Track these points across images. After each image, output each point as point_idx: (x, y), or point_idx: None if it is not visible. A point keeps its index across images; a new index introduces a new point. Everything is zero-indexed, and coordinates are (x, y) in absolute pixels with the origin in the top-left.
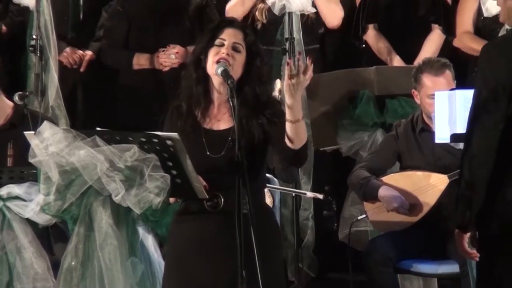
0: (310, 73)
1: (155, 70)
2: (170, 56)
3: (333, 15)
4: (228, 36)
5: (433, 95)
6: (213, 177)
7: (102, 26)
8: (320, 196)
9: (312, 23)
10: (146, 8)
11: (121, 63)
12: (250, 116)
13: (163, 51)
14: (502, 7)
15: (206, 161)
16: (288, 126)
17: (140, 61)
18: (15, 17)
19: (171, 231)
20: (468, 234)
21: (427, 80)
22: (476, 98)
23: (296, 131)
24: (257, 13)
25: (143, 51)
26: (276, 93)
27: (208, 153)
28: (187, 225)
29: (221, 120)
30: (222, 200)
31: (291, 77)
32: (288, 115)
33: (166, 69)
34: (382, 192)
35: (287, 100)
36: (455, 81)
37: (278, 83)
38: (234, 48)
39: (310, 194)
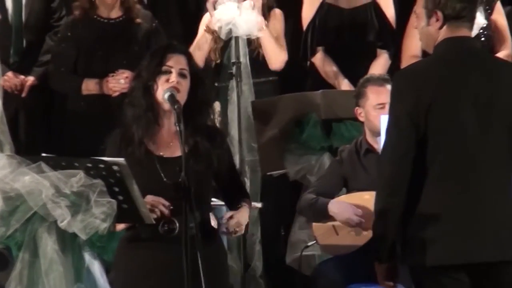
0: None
1: (103, 95)
2: (120, 81)
3: (277, 58)
4: (174, 62)
5: (380, 104)
6: (170, 204)
7: (46, 51)
8: (258, 205)
9: (263, 58)
10: (94, 33)
11: (69, 88)
12: (203, 141)
13: (112, 76)
14: (422, 33)
15: (163, 187)
16: None
17: (89, 86)
18: None
19: (119, 258)
20: (385, 266)
21: (371, 91)
22: (386, 131)
23: None
24: (210, 53)
25: (92, 76)
26: (214, 115)
27: (165, 179)
28: (139, 251)
29: (173, 146)
30: (177, 225)
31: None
32: None
33: (116, 94)
34: (331, 206)
35: None
36: None
37: (217, 106)
38: (181, 75)
39: None
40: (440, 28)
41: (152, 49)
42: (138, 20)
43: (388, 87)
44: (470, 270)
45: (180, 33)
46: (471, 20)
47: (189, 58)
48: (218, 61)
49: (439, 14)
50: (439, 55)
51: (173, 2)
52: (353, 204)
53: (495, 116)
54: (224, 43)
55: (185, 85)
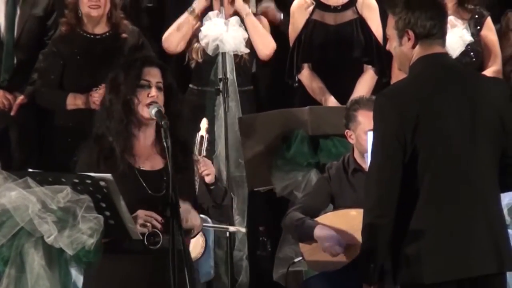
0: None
1: (91, 109)
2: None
3: (266, 46)
4: (152, 76)
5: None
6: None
7: (36, 69)
8: (243, 230)
9: (245, 64)
10: (81, 49)
11: (54, 103)
12: (178, 153)
13: (96, 90)
14: (395, 54)
15: (149, 200)
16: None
17: (76, 101)
18: None
19: (97, 271)
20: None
21: (363, 117)
22: (372, 152)
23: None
24: (192, 53)
25: (79, 91)
26: (203, 132)
27: (150, 192)
28: (118, 264)
29: (151, 159)
30: (161, 237)
31: None
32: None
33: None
34: (318, 231)
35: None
36: None
37: (204, 122)
38: (158, 88)
39: (232, 228)
40: (413, 47)
41: (126, 62)
42: (124, 35)
43: None
44: (461, 283)
45: (156, 50)
46: (443, 36)
47: (164, 71)
48: (200, 60)
49: (411, 33)
50: (416, 73)
51: (149, 20)
52: (340, 226)
53: (479, 130)
54: (210, 59)
55: (162, 98)
